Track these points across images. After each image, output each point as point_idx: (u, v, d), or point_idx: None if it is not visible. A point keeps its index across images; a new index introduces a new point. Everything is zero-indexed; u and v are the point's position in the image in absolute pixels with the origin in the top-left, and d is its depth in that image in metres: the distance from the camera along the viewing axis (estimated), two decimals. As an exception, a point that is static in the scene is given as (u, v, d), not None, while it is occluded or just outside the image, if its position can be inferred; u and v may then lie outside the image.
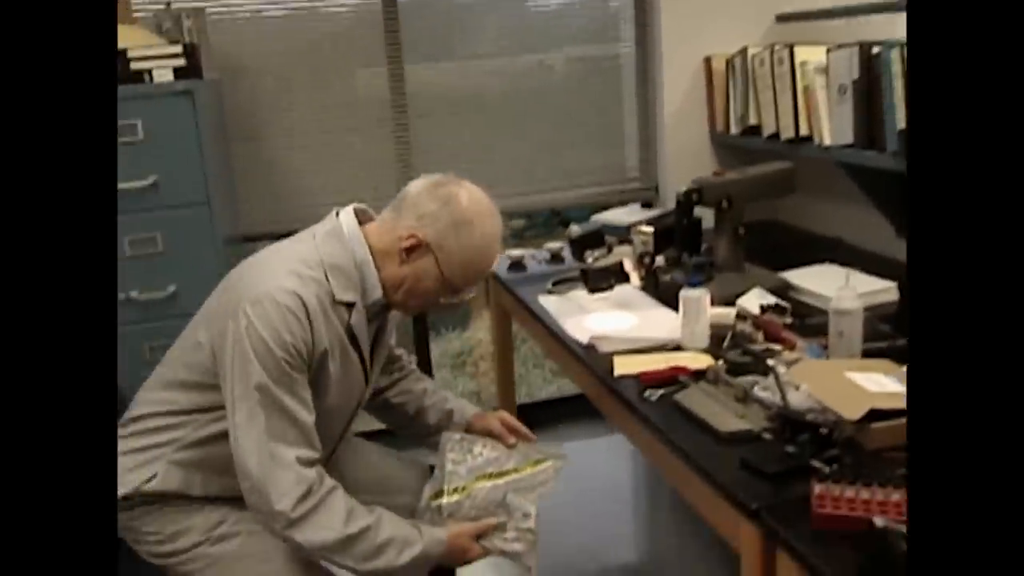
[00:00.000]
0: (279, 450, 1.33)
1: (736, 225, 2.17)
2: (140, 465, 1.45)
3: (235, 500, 1.42)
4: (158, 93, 2.26)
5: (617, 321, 2.10)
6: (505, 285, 2.59)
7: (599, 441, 3.16)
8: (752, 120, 2.69)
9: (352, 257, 1.43)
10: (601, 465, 3.03)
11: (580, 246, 2.04)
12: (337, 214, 1.49)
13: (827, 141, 2.33)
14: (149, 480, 1.44)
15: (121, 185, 2.24)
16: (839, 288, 1.76)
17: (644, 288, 2.21)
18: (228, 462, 1.37)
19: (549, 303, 2.29)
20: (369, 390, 1.60)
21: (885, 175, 2.20)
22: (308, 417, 1.37)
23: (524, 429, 1.74)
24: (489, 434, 1.70)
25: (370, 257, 1.45)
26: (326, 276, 1.40)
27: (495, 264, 1.45)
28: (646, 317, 2.11)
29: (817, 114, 2.36)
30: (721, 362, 1.67)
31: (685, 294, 1.88)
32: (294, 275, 1.37)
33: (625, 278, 2.18)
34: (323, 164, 2.79)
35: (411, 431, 1.79)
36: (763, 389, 1.59)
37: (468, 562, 1.53)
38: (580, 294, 2.29)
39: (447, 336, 4.42)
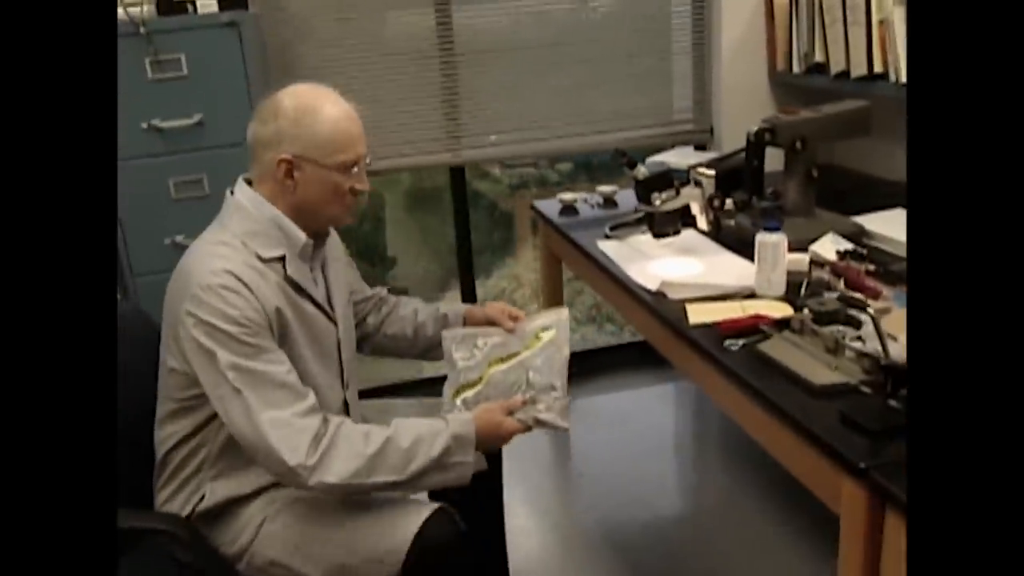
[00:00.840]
0: (272, 415, 1.32)
1: (809, 167, 2.06)
2: (189, 495, 1.47)
3: None
4: (202, 24, 2.16)
5: (685, 267, 2.01)
6: (557, 228, 2.50)
7: (645, 392, 3.10)
8: (818, 57, 2.55)
9: (262, 217, 1.43)
10: (652, 415, 2.97)
11: (647, 188, 1.94)
12: (232, 192, 1.48)
13: (905, 78, 2.20)
14: (200, 501, 1.46)
15: (165, 123, 2.16)
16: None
17: (709, 233, 2.12)
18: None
19: (608, 248, 2.20)
20: (342, 331, 1.58)
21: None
22: (288, 374, 1.36)
23: (516, 311, 1.74)
24: (487, 323, 1.72)
25: (276, 210, 1.44)
26: (244, 245, 1.40)
27: (358, 127, 1.45)
28: (714, 263, 2.02)
29: (894, 50, 2.22)
30: (806, 311, 1.58)
31: (762, 238, 1.79)
32: (215, 256, 1.37)
33: (691, 222, 2.09)
34: (369, 105, 2.67)
35: (417, 350, 1.80)
36: (855, 339, 1.51)
37: (507, 439, 1.51)
38: (641, 239, 2.20)
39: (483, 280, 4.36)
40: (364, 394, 1.70)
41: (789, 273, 1.87)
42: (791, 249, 1.98)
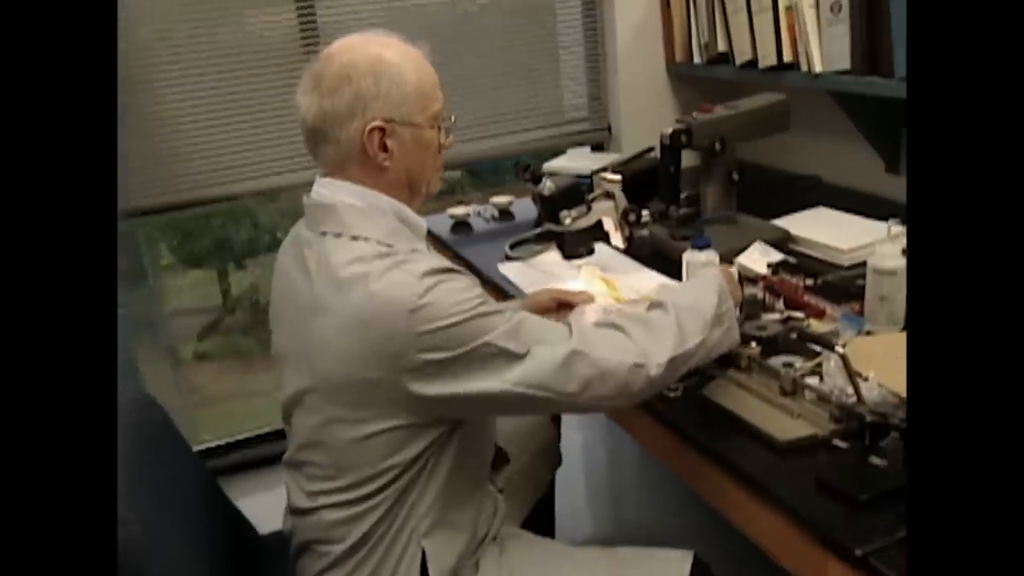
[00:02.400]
0: (577, 343, 1.13)
1: (730, 169, 1.85)
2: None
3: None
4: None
5: (599, 291, 1.77)
6: (451, 249, 2.22)
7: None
8: (720, 47, 2.36)
9: (382, 211, 1.17)
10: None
11: (554, 205, 1.69)
12: (308, 196, 1.20)
13: (818, 68, 2.03)
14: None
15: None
16: (878, 243, 1.47)
17: (627, 249, 1.88)
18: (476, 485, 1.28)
19: (511, 271, 1.94)
20: None
21: (887, 104, 1.92)
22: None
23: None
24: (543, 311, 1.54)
25: (386, 197, 1.18)
26: (394, 248, 1.12)
27: (430, 70, 1.22)
28: (632, 284, 1.78)
29: (804, 37, 2.04)
30: (754, 344, 1.36)
31: (691, 258, 1.56)
32: (393, 271, 1.07)
33: (604, 237, 1.85)
34: (221, 119, 2.31)
35: None
36: (809, 372, 1.29)
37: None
38: (547, 259, 1.95)
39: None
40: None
41: (717, 291, 1.66)
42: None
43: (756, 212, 1.99)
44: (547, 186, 1.68)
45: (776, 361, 1.36)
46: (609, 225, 1.82)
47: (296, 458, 1.22)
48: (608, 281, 1.56)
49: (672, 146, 1.79)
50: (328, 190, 1.17)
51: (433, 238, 2.34)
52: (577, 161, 2.37)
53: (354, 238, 1.12)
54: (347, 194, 1.16)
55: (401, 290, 1.04)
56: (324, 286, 1.10)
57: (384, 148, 1.15)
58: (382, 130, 1.14)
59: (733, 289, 1.36)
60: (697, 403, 1.31)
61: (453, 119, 1.24)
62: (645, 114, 2.62)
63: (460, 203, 2.45)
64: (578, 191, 1.72)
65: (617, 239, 1.81)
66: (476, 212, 2.43)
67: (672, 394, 1.34)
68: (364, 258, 1.08)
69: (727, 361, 1.36)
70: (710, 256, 1.56)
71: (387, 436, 1.11)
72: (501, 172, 3.60)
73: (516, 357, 1.08)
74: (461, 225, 2.38)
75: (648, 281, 1.79)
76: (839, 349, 1.17)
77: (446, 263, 1.11)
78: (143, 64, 2.21)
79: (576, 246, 1.74)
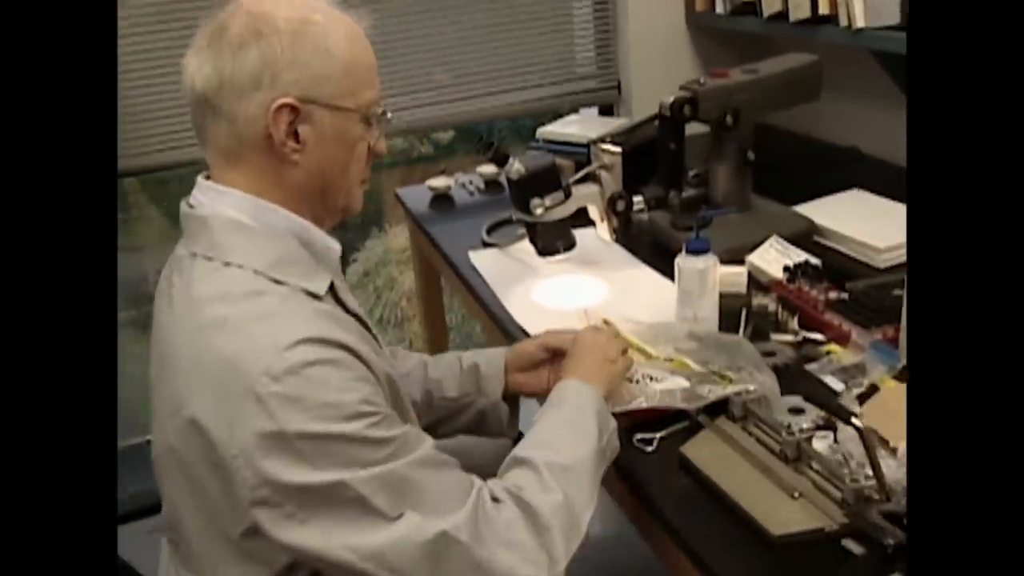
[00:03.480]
0: (478, 529, 0.82)
1: (743, 147, 1.53)
2: None
3: None
4: None
5: (580, 293, 1.48)
6: (424, 229, 1.93)
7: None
8: (747, -6, 2.01)
9: (275, 232, 0.87)
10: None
11: (523, 191, 1.39)
12: (190, 205, 0.90)
13: (860, 22, 1.68)
14: None
15: None
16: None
17: (617, 239, 1.58)
18: None
19: (483, 261, 1.65)
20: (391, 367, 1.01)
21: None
22: (433, 447, 0.87)
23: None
24: (549, 358, 1.18)
25: (285, 212, 0.89)
26: (280, 283, 0.84)
27: (369, 49, 0.92)
28: (622, 284, 1.49)
29: (844, -15, 1.69)
30: (751, 388, 1.06)
31: (684, 263, 1.26)
32: (267, 321, 0.79)
33: (588, 222, 1.55)
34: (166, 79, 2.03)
35: (427, 421, 1.18)
36: (821, 431, 1.00)
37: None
38: (527, 246, 1.65)
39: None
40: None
41: (722, 297, 1.36)
42: (723, 260, 1.47)
43: (777, 195, 1.67)
44: (514, 168, 1.38)
45: (784, 403, 1.07)
46: (594, 213, 1.52)
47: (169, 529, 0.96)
48: (609, 323, 1.24)
49: (674, 118, 1.48)
50: (208, 197, 0.88)
51: (409, 215, 2.06)
52: (574, 127, 2.05)
53: (227, 264, 0.84)
54: (231, 205, 0.87)
55: (254, 359, 0.76)
56: (178, 327, 0.83)
57: (295, 137, 0.86)
58: (294, 111, 0.84)
59: (611, 381, 1.07)
60: (675, 463, 1.03)
61: (390, 116, 0.93)
62: (659, 72, 2.28)
63: (442, 173, 2.15)
64: (553, 174, 1.41)
65: (604, 231, 1.51)
66: (460, 183, 2.13)
67: (647, 448, 1.06)
68: (229, 296, 0.81)
69: (718, 407, 1.07)
70: (708, 263, 1.25)
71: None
72: (503, 135, 3.26)
73: (379, 517, 0.78)
74: (441, 199, 2.08)
75: (639, 281, 1.50)
76: (856, 421, 0.87)
77: (338, 334, 0.80)
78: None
79: (551, 240, 1.45)
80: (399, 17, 2.18)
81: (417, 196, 2.11)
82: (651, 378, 1.10)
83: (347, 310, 0.90)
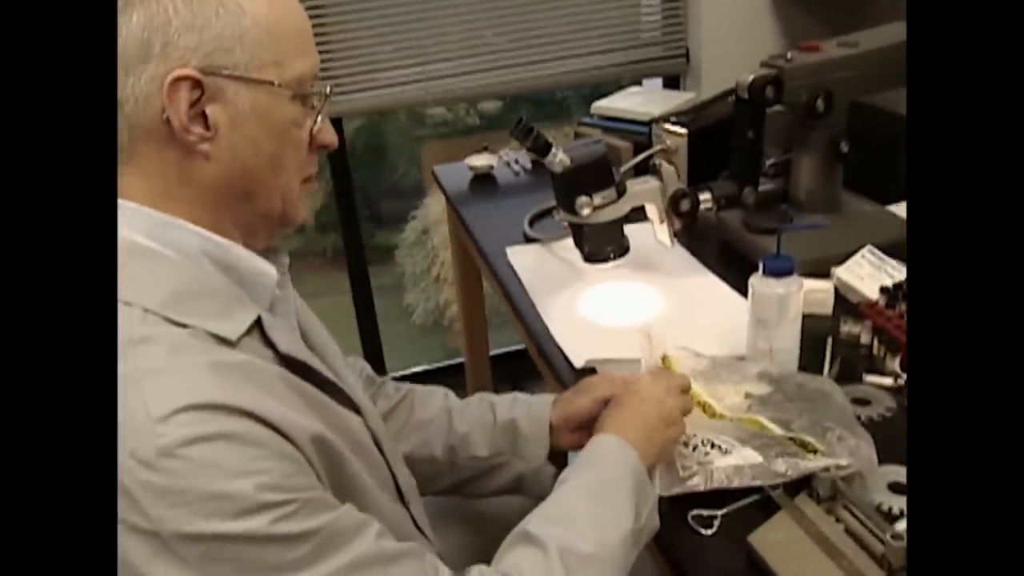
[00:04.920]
0: None
1: (836, 138, 1.28)
2: None
3: None
4: None
5: (634, 306, 1.26)
6: (460, 216, 1.72)
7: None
8: (843, -51, 1.73)
9: (179, 256, 0.67)
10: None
11: (569, 188, 1.16)
12: None
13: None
14: None
15: None
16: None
17: (677, 241, 1.35)
18: None
19: (522, 260, 1.44)
20: (369, 413, 0.83)
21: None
22: (379, 538, 0.67)
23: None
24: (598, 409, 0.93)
25: (194, 228, 0.68)
26: (176, 324, 0.64)
27: (298, 8, 0.72)
28: (683, 295, 1.27)
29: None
30: (842, 463, 0.84)
31: (760, 286, 1.03)
32: (142, 383, 0.59)
33: (644, 217, 1.32)
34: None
35: (450, 481, 1.00)
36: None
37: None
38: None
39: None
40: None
41: (804, 318, 1.14)
42: (804, 274, 1.23)
43: (873, 192, 1.42)
44: (558, 159, 1.15)
45: (884, 476, 0.85)
46: (652, 214, 1.29)
47: None
48: (669, 362, 0.99)
49: (752, 101, 1.23)
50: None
51: (446, 197, 1.85)
52: (634, 101, 1.80)
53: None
54: (127, 221, 0.66)
55: (121, 436, 0.56)
56: None
57: (204, 122, 0.66)
58: (197, 85, 0.64)
59: (662, 450, 0.87)
60: (740, 554, 0.81)
61: (328, 91, 0.72)
62: (734, 39, 2.01)
63: (485, 149, 1.93)
64: (604, 167, 1.18)
65: (664, 234, 1.28)
66: (505, 162, 1.91)
67: (705, 531, 0.84)
68: None
69: (799, 484, 0.85)
70: (790, 287, 1.02)
71: None
72: (568, 105, 2.97)
73: None
74: (482, 179, 1.87)
75: (704, 295, 1.27)
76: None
77: (239, 395, 0.60)
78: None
79: (600, 245, 1.22)
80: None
81: (457, 175, 1.90)
82: (712, 444, 0.88)
83: (278, 353, 0.69)
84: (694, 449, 0.88)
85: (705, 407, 0.93)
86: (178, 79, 0.63)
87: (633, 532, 0.77)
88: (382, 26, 1.96)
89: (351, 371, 0.87)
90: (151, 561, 0.57)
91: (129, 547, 0.56)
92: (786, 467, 0.84)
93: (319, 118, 0.72)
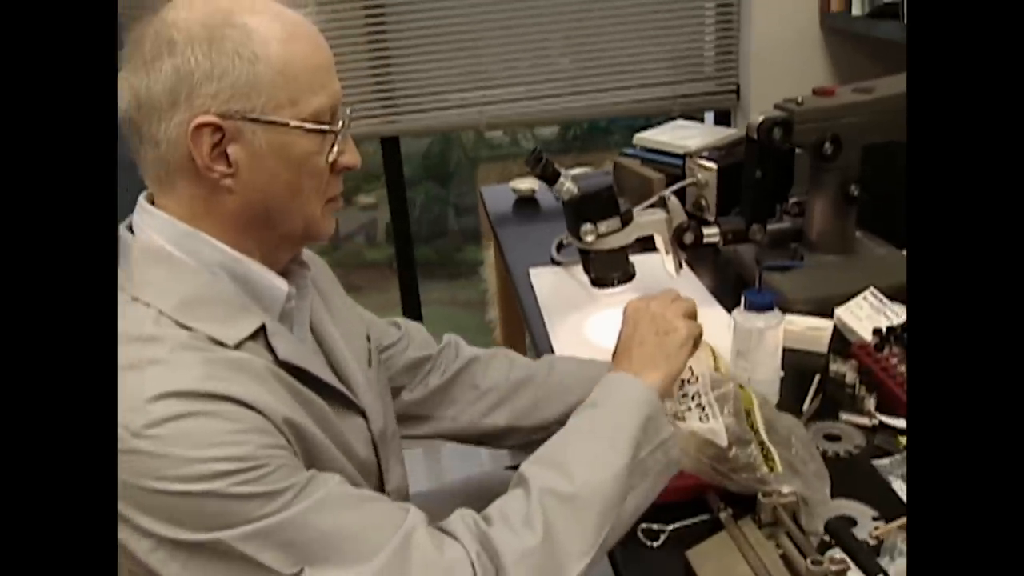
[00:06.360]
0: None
1: (848, 180, 1.31)
2: None
3: None
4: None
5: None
6: (498, 239, 1.81)
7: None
8: (889, -6, 1.75)
9: (199, 267, 0.77)
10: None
11: (575, 214, 1.23)
12: (131, 229, 0.80)
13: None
14: None
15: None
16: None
17: (694, 265, 1.40)
18: None
19: (542, 281, 1.51)
20: (375, 420, 0.91)
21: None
22: (341, 484, 0.74)
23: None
24: None
25: (220, 245, 0.77)
26: (182, 326, 0.73)
27: (324, 46, 0.79)
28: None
29: (1003, -12, 1.41)
30: (784, 489, 0.87)
31: (740, 320, 1.08)
32: (135, 373, 0.69)
33: (654, 248, 1.38)
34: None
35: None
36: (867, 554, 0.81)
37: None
38: (592, 269, 1.50)
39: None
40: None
41: (795, 354, 1.18)
42: (807, 312, 1.27)
43: (887, 232, 1.43)
44: (565, 188, 1.23)
45: (833, 508, 0.89)
46: (659, 243, 1.34)
47: None
48: (716, 355, 1.02)
49: (760, 141, 1.27)
50: (141, 219, 0.79)
51: (488, 218, 1.94)
52: (674, 134, 1.85)
53: (134, 300, 0.74)
54: (157, 229, 0.77)
55: (120, 412, 0.66)
56: None
57: (226, 159, 0.74)
58: (218, 130, 0.73)
59: (671, 360, 0.88)
60: (678, 568, 0.86)
61: (348, 118, 0.79)
62: (784, 76, 2.04)
63: (528, 174, 2.00)
64: (609, 197, 1.24)
65: (670, 264, 1.34)
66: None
67: (650, 542, 0.90)
68: (122, 338, 0.70)
69: (746, 504, 0.89)
70: (769, 321, 1.06)
71: None
72: (616, 132, 3.03)
73: None
74: (525, 202, 1.95)
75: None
76: (885, 576, 0.68)
77: (226, 384, 0.69)
78: None
79: (605, 271, 1.29)
80: (492, 13, 2.06)
81: (501, 197, 1.99)
82: (699, 404, 0.89)
83: (277, 358, 0.78)
84: (683, 396, 0.90)
85: (715, 355, 0.95)
86: (200, 125, 0.72)
87: (627, 468, 0.78)
88: (440, 50, 2.06)
89: (371, 370, 0.95)
90: (150, 511, 0.66)
91: (131, 502, 0.66)
92: (750, 456, 0.87)
93: (338, 143, 0.79)
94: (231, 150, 0.74)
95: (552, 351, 1.28)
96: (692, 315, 0.93)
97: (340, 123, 0.79)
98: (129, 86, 0.73)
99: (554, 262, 1.59)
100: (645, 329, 0.90)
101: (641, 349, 0.88)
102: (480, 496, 0.87)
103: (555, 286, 1.49)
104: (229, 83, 0.72)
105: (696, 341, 0.91)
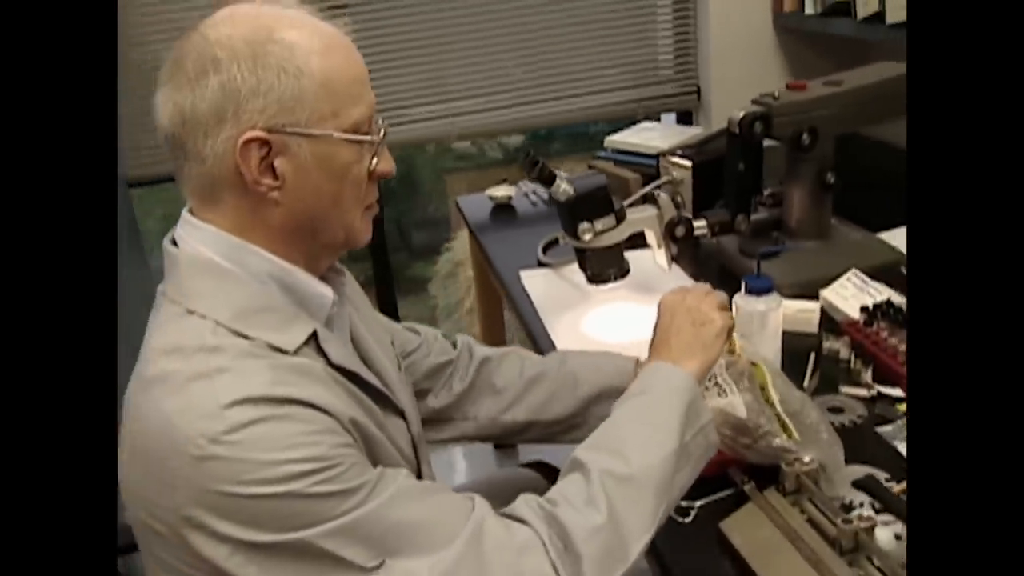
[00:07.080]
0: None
1: (822, 170, 1.38)
2: None
3: None
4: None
5: (635, 324, 1.36)
6: (480, 243, 1.84)
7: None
8: (840, -7, 1.84)
9: (251, 278, 0.79)
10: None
11: (571, 214, 1.28)
12: (175, 242, 0.81)
13: (965, 26, 1.50)
14: None
15: None
16: None
17: (673, 264, 1.45)
18: None
19: (534, 283, 1.55)
20: (414, 422, 0.95)
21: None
22: (408, 478, 0.77)
23: None
24: None
25: (271, 256, 0.79)
26: (241, 336, 0.75)
27: (358, 58, 0.81)
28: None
29: (950, -17, 1.51)
30: (806, 459, 0.93)
31: (742, 304, 1.13)
32: (203, 382, 0.71)
33: (643, 244, 1.43)
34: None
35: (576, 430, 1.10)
36: (887, 524, 0.86)
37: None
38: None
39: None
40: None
41: (788, 336, 1.23)
42: (794, 295, 1.33)
43: (861, 219, 1.51)
44: (561, 189, 1.27)
45: (848, 474, 0.94)
46: (651, 239, 1.39)
47: None
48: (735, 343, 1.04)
49: (742, 135, 1.34)
50: (187, 232, 0.80)
51: (468, 226, 1.97)
52: (644, 136, 1.91)
53: (189, 312, 0.76)
54: (206, 243, 0.78)
55: (192, 420, 0.68)
56: (135, 378, 0.76)
57: (272, 173, 0.76)
58: (265, 144, 0.75)
59: (707, 350, 0.92)
60: (712, 540, 0.91)
61: (383, 131, 0.82)
62: (742, 76, 2.13)
63: (503, 181, 2.05)
64: (604, 197, 1.29)
65: (662, 258, 1.39)
66: (523, 193, 2.03)
67: (680, 518, 0.94)
68: (182, 350, 0.72)
69: (768, 474, 0.94)
70: (769, 304, 1.12)
71: None
72: (591, 137, 3.10)
73: (356, 571, 0.69)
74: (502, 209, 1.99)
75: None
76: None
77: (292, 388, 0.71)
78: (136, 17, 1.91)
79: (602, 268, 1.33)
80: (468, 15, 2.10)
81: (479, 205, 2.03)
82: (715, 381, 0.94)
83: (330, 362, 0.80)
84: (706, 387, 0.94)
85: (732, 338, 0.99)
86: (248, 140, 0.74)
87: (676, 452, 0.81)
88: (408, 64, 2.09)
89: (400, 371, 0.98)
90: (226, 516, 0.68)
91: (207, 508, 0.68)
92: (764, 428, 0.92)
93: (375, 155, 0.81)
94: (278, 163, 0.76)
95: (555, 348, 1.32)
96: (724, 307, 0.97)
97: (379, 132, 0.81)
98: (173, 103, 0.75)
99: (541, 264, 1.63)
100: (682, 320, 0.94)
101: (679, 339, 0.92)
102: (506, 492, 0.90)
103: (547, 287, 1.53)
104: (275, 98, 0.74)
105: (729, 332, 0.96)
